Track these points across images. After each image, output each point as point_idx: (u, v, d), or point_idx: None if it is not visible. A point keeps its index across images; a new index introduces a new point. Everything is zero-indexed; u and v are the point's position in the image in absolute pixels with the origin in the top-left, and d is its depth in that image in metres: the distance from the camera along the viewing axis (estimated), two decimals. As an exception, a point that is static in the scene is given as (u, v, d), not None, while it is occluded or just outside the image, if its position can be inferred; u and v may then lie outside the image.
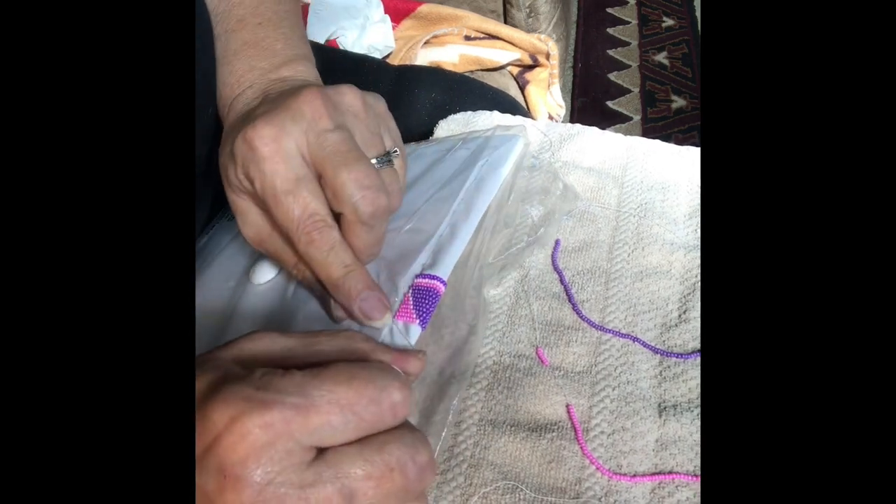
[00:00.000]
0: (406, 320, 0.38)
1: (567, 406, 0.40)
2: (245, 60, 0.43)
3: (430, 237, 0.42)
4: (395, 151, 0.40)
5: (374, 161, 0.38)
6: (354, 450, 0.26)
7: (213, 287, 0.44)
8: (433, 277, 0.39)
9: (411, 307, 0.38)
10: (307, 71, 0.44)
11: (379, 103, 0.41)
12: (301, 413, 0.25)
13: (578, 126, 0.57)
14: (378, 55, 0.98)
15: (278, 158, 0.36)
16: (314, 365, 0.28)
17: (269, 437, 0.24)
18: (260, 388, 0.25)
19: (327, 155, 0.36)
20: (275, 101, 0.39)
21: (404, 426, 0.28)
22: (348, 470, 0.25)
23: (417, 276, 0.39)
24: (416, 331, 0.38)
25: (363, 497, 0.25)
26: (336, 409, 0.25)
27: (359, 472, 0.25)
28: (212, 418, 0.24)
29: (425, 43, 1.01)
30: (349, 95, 0.39)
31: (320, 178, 0.37)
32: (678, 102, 1.74)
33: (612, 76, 1.83)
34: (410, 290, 0.39)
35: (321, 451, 0.26)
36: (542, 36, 1.09)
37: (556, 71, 1.06)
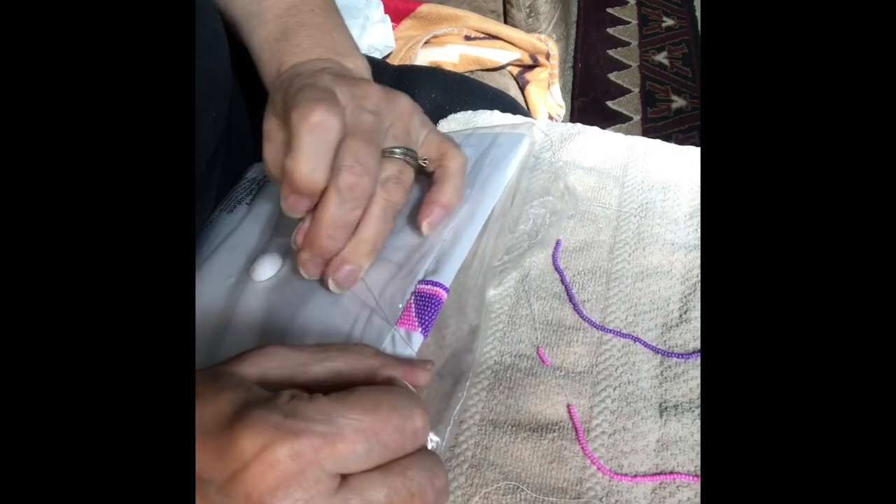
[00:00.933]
0: (408, 328, 0.38)
1: (568, 406, 0.40)
2: (308, 38, 0.45)
3: (434, 242, 0.42)
4: (425, 161, 0.42)
5: (397, 150, 0.40)
6: (378, 476, 0.26)
7: (212, 283, 0.44)
8: (436, 284, 0.39)
9: (413, 315, 0.38)
10: (366, 70, 0.46)
11: (422, 115, 0.44)
12: (329, 442, 0.25)
13: (579, 125, 0.57)
14: (378, 55, 0.98)
15: (329, 81, 0.39)
16: (333, 384, 0.28)
17: (299, 466, 0.24)
18: (288, 416, 0.25)
19: (349, 125, 0.38)
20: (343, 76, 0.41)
21: (422, 450, 0.28)
22: (372, 496, 0.25)
23: (420, 283, 0.39)
24: (418, 339, 0.38)
25: None
26: (362, 438, 0.25)
27: (382, 499, 0.26)
28: (240, 445, 0.24)
29: (425, 43, 1.01)
30: (402, 100, 0.42)
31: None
32: (678, 102, 1.74)
33: (612, 76, 1.83)
34: (413, 297, 0.39)
35: (344, 478, 0.26)
36: (542, 36, 1.09)
37: (556, 71, 1.06)
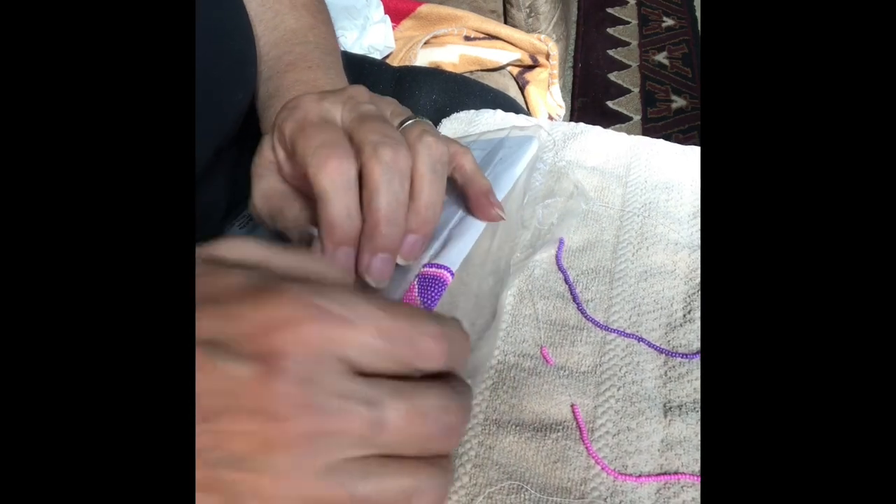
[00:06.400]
0: None
1: (572, 406, 0.40)
2: (297, 94, 0.45)
3: (440, 230, 0.41)
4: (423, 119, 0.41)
5: (408, 121, 0.39)
6: (392, 383, 0.25)
7: None
8: (440, 266, 0.39)
9: (416, 294, 0.37)
10: None
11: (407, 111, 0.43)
12: (349, 328, 0.25)
13: (582, 125, 0.56)
14: (378, 55, 0.98)
15: (314, 104, 0.38)
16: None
17: (319, 343, 0.24)
18: (317, 294, 0.25)
19: (356, 117, 0.37)
20: None
21: (446, 380, 0.27)
22: (382, 397, 0.25)
23: (424, 266, 0.39)
24: None
25: (386, 432, 0.25)
26: (376, 334, 0.25)
27: (391, 404, 0.25)
28: (268, 311, 0.24)
29: (425, 43, 1.01)
30: (392, 102, 0.41)
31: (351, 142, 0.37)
32: (678, 102, 1.74)
33: (612, 76, 1.83)
34: (416, 279, 0.38)
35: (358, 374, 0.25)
36: (542, 36, 1.09)
37: (555, 71, 1.06)
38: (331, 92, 0.39)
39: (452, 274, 0.39)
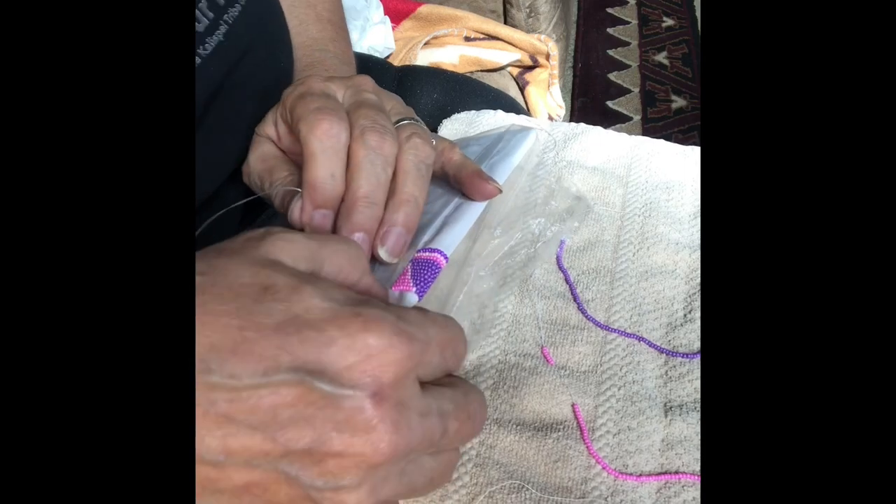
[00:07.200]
0: (403, 289, 0.37)
1: (573, 405, 0.40)
2: None
3: (434, 218, 0.41)
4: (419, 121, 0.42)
5: (403, 121, 0.40)
6: (448, 392, 0.28)
7: None
8: (433, 250, 0.39)
9: (409, 277, 0.37)
10: None
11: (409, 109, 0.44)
12: (425, 349, 0.27)
13: (583, 125, 0.57)
14: (378, 56, 0.98)
15: (319, 82, 0.39)
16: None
17: (409, 366, 0.26)
18: (400, 319, 0.27)
19: (355, 102, 0.39)
20: None
21: (466, 382, 0.30)
22: (444, 406, 0.28)
23: (418, 251, 0.39)
24: (412, 299, 0.37)
25: (448, 436, 0.28)
26: (438, 351, 0.28)
27: (451, 411, 0.28)
28: (365, 339, 0.26)
29: (425, 44, 1.01)
30: (395, 98, 0.42)
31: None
32: (678, 102, 1.74)
33: (612, 76, 1.83)
34: (410, 263, 0.38)
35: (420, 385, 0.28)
36: (542, 36, 1.09)
37: (555, 71, 1.06)
38: (337, 76, 0.41)
39: (446, 258, 0.39)
